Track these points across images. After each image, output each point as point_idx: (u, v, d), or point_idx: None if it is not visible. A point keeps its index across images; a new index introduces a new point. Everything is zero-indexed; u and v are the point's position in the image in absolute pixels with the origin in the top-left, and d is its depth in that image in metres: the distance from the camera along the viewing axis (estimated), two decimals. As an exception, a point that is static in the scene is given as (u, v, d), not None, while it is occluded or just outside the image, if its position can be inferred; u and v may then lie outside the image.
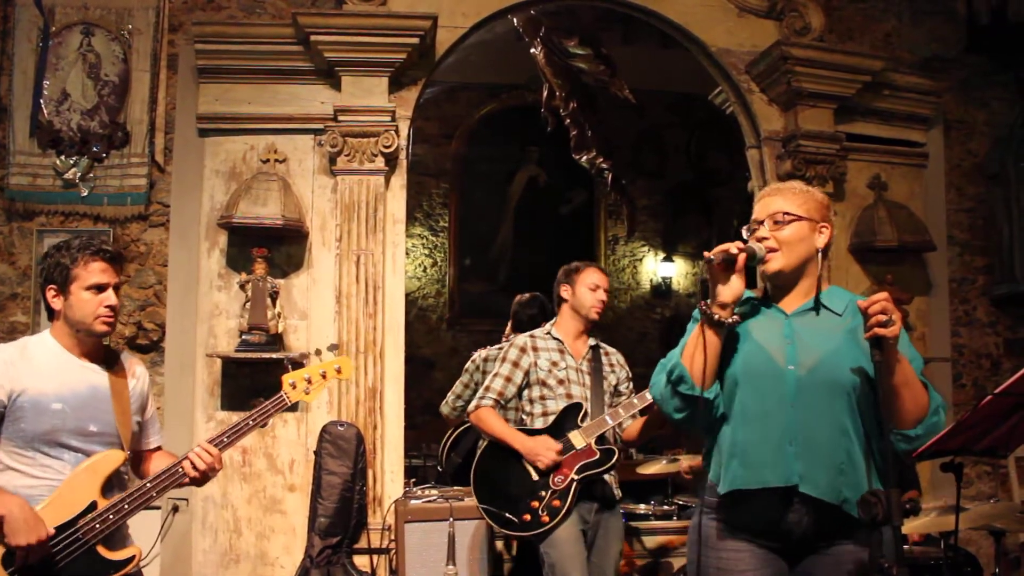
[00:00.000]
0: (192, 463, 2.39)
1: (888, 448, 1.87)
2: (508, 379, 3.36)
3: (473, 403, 3.41)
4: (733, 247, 2.01)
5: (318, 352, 2.72)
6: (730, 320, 2.02)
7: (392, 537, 3.84)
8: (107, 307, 2.40)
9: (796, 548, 2.04)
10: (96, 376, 2.44)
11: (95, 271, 2.39)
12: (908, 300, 4.73)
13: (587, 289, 3.40)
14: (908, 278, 4.80)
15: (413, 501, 3.83)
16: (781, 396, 2.02)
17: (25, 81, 4.26)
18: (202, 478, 2.42)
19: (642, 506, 4.36)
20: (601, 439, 3.22)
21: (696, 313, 2.12)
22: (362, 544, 3.96)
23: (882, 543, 1.80)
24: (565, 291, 3.44)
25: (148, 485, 2.38)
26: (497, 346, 4.14)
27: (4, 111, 4.27)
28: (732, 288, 2.01)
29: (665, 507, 4.37)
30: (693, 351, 2.03)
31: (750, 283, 2.11)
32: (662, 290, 8.89)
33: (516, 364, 3.38)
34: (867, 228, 4.65)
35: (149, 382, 2.63)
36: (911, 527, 3.13)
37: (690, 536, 2.19)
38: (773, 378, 2.04)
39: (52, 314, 2.44)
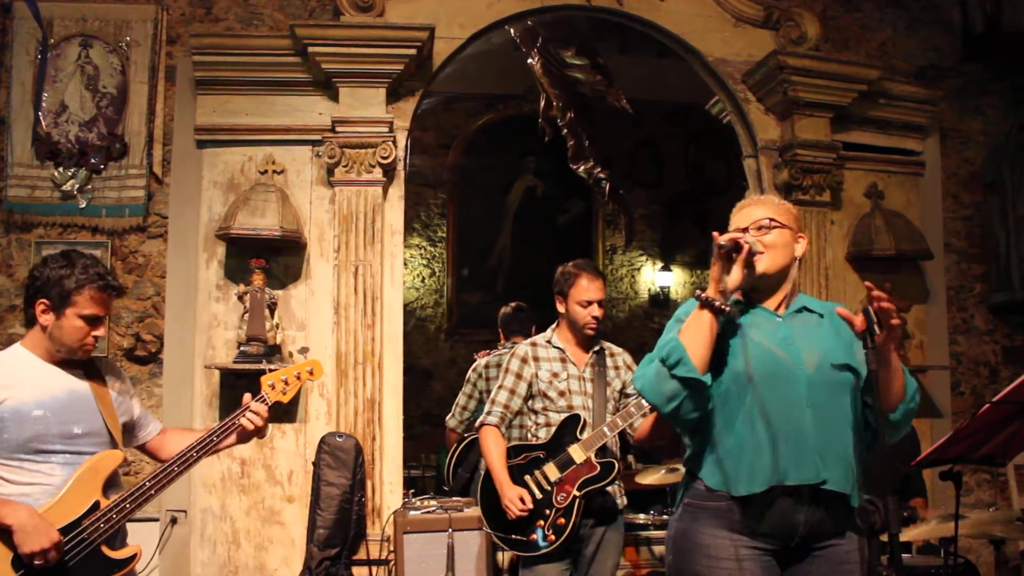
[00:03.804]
0: (251, 420, 2.52)
1: (885, 453, 1.88)
2: (512, 391, 3.31)
3: (481, 417, 3.37)
4: (741, 236, 2.06)
5: (302, 350, 2.81)
6: (728, 308, 2.04)
7: (391, 548, 3.83)
8: (94, 337, 2.41)
9: (794, 549, 2.05)
10: (75, 380, 2.45)
11: (96, 303, 2.38)
12: (906, 308, 4.74)
13: (578, 306, 3.28)
14: (906, 286, 4.80)
15: (412, 512, 3.82)
16: (797, 396, 2.05)
17: (23, 93, 4.27)
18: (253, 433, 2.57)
19: (642, 516, 4.36)
20: (601, 451, 3.17)
21: (680, 312, 2.18)
22: (361, 555, 3.95)
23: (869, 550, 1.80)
24: (560, 304, 3.36)
25: (147, 483, 2.41)
26: (497, 352, 4.11)
27: (2, 123, 4.28)
28: (733, 278, 2.05)
29: (665, 516, 4.36)
30: (692, 336, 2.02)
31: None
32: (660, 299, 8.89)
33: (519, 376, 3.32)
34: (864, 237, 4.65)
35: (129, 382, 2.65)
36: (911, 535, 3.13)
37: (677, 544, 2.14)
38: (787, 378, 2.06)
39: (31, 323, 2.43)
